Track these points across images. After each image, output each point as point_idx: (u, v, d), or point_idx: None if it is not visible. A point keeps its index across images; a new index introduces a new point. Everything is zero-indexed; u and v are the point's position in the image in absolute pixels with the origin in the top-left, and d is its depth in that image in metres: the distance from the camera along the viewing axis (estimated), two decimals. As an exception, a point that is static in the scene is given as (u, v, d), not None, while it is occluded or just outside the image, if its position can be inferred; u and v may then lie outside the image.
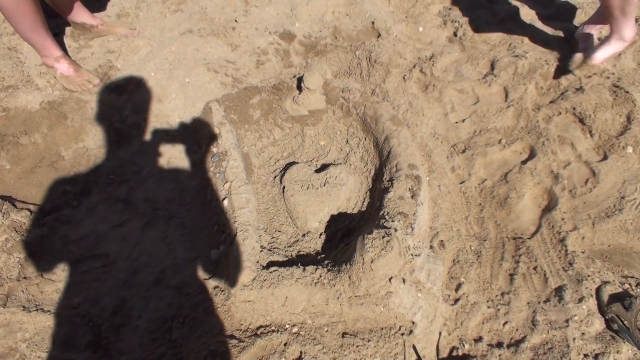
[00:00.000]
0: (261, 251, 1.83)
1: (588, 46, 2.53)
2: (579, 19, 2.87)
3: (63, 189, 2.06)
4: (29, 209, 1.95)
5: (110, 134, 2.26)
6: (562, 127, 2.27)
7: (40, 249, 1.85)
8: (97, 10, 2.79)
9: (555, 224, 1.94)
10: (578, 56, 2.45)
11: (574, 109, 2.30)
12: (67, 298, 1.74)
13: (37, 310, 1.68)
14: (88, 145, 2.21)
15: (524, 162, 2.16)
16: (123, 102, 2.37)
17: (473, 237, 1.99)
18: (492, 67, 2.56)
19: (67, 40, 2.62)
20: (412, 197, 1.88)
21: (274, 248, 1.93)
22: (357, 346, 1.59)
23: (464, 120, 2.34)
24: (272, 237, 1.98)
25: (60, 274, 1.80)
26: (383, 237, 1.61)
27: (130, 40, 2.66)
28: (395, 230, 1.67)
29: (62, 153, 2.18)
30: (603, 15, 2.51)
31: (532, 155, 2.18)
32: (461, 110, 2.40)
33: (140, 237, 1.93)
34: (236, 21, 2.82)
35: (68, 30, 2.63)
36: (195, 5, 2.89)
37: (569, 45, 2.67)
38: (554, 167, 2.11)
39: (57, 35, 2.57)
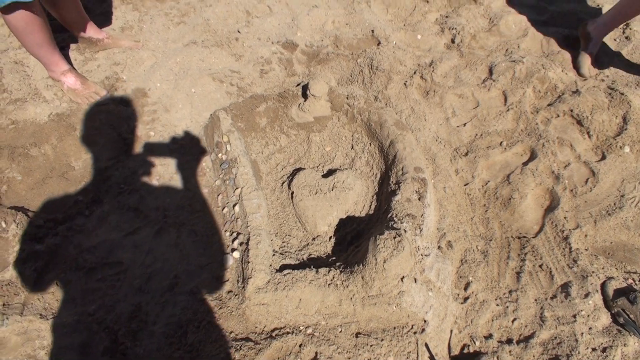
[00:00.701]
0: (273, 255, 1.87)
1: (599, 47, 2.60)
2: (573, 24, 2.96)
3: (75, 198, 2.09)
4: (42, 219, 1.97)
5: (119, 144, 2.30)
6: (561, 129, 2.33)
7: (54, 258, 1.87)
8: (102, 23, 2.84)
9: (558, 223, 1.99)
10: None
11: (571, 111, 2.37)
12: (83, 305, 1.76)
13: (54, 318, 1.70)
14: (97, 156, 2.24)
15: (525, 164, 2.21)
16: (131, 112, 2.41)
17: (479, 237, 2.03)
18: (491, 72, 2.63)
19: (73, 54, 2.66)
20: (419, 199, 1.93)
21: (286, 252, 1.96)
22: (370, 345, 1.62)
23: (465, 124, 2.40)
24: (283, 242, 2.02)
25: (76, 282, 1.82)
26: (394, 237, 1.65)
27: (135, 52, 2.70)
28: (405, 231, 1.72)
29: (72, 164, 2.21)
30: (616, 17, 2.56)
31: (532, 156, 2.23)
32: (462, 115, 2.46)
33: (153, 245, 1.96)
34: (239, 32, 2.88)
35: (74, 43, 2.67)
36: (198, 18, 2.95)
37: (572, 42, 2.76)
38: (555, 167, 2.16)
39: (64, 49, 2.61)
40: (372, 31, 2.92)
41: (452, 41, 2.90)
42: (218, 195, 2.15)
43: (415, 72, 2.63)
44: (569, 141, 2.27)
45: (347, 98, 2.37)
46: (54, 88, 2.45)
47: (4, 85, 2.44)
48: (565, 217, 2.01)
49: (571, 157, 2.22)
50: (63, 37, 2.67)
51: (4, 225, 1.89)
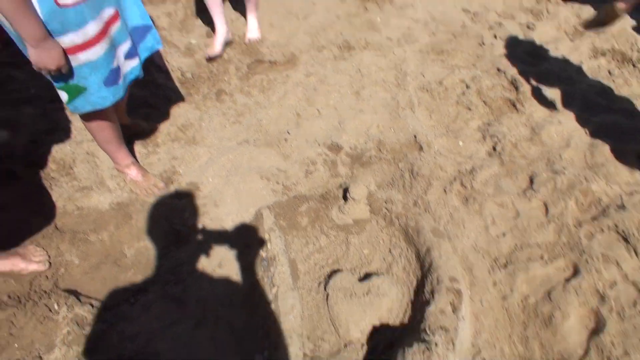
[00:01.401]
0: (303, 358, 1.87)
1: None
2: (617, 136, 2.98)
3: (123, 286, 2.22)
4: (91, 304, 2.10)
5: (170, 235, 2.46)
6: (606, 245, 2.28)
7: (98, 344, 1.97)
8: (164, 120, 3.15)
9: (605, 348, 1.89)
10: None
11: (616, 226, 2.33)
12: (117, 396, 1.82)
13: (88, 406, 1.76)
14: (149, 245, 2.40)
15: (567, 280, 2.15)
16: (184, 205, 2.59)
17: (517, 357, 1.95)
18: (532, 181, 2.65)
19: (138, 147, 2.95)
20: (453, 311, 1.91)
21: (316, 356, 1.96)
22: None
23: (504, 234, 2.40)
24: (315, 345, 2.02)
25: (114, 370, 1.90)
26: (423, 352, 1.63)
27: (193, 148, 2.96)
28: (436, 345, 1.69)
29: (125, 251, 2.37)
30: None
31: (576, 272, 2.18)
32: (502, 224, 2.47)
33: (190, 337, 2.02)
34: (288, 133, 3.10)
35: (139, 139, 2.97)
36: (252, 118, 3.22)
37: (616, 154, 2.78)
38: (600, 286, 2.09)
39: (130, 143, 2.90)
40: (415, 136, 3.06)
41: (494, 149, 2.98)
42: (256, 292, 2.21)
43: (455, 179, 2.70)
44: (614, 258, 2.21)
45: (385, 202, 2.46)
46: (117, 178, 2.70)
47: (75, 173, 2.72)
48: (612, 342, 1.90)
49: (617, 276, 2.14)
50: (131, 133, 2.97)
51: (56, 307, 2.03)
